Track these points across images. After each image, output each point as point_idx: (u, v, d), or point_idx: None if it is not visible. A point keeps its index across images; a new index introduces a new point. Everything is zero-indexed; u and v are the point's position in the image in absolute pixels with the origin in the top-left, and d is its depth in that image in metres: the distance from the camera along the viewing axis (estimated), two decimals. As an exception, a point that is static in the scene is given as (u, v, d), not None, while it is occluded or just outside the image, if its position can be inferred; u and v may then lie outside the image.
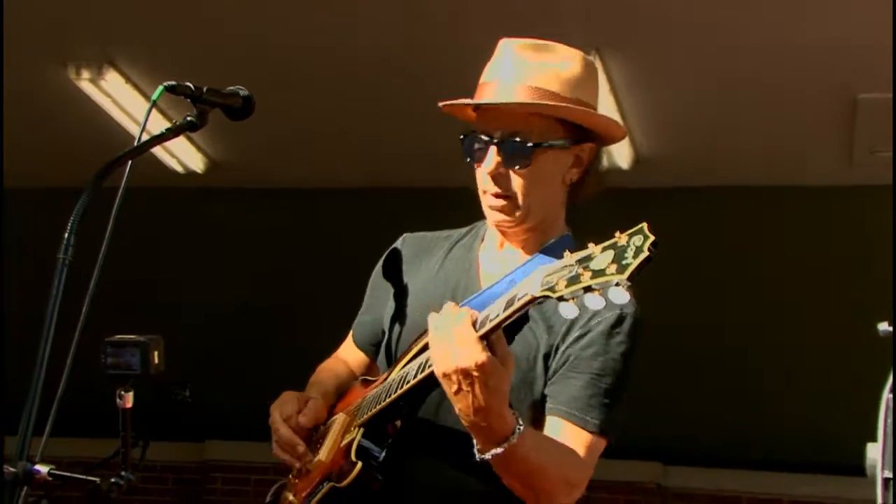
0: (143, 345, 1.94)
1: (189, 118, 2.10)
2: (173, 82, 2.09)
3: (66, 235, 1.85)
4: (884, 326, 1.59)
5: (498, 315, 1.94)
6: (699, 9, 4.68)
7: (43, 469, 1.79)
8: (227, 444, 8.03)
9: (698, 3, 4.67)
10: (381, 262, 2.51)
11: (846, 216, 6.17)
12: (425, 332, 2.11)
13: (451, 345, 1.95)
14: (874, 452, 1.44)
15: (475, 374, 1.92)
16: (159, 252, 7.26)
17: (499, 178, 2.22)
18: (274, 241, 7.13)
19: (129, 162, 2.01)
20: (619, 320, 2.18)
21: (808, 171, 6.07)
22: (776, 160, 5.99)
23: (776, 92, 5.25)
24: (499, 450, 1.99)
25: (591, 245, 1.82)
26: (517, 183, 2.22)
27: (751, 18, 4.69)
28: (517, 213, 2.24)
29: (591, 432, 2.14)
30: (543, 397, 2.19)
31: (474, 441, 2.03)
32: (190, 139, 6.25)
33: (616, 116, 5.40)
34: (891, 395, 1.46)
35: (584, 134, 2.25)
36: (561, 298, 1.79)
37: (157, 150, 6.26)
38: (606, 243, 1.80)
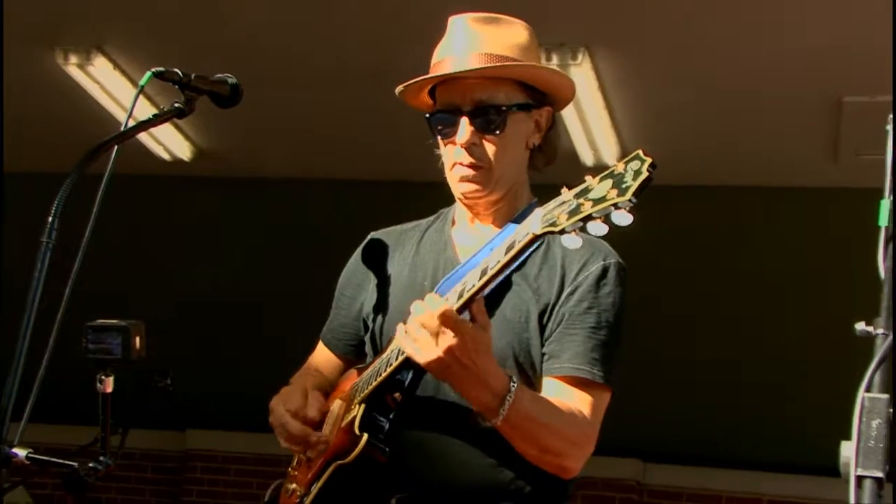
0: (125, 329, 1.94)
1: (177, 105, 2.11)
2: (161, 68, 2.09)
3: (50, 220, 1.85)
4: (861, 326, 1.61)
5: (474, 284, 2.00)
6: (688, 9, 4.69)
7: (21, 453, 1.79)
8: (207, 434, 8.02)
9: (687, 4, 4.68)
10: (350, 264, 2.52)
11: (831, 218, 6.19)
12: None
13: (435, 331, 1.98)
14: (848, 451, 1.45)
15: (466, 346, 1.98)
16: (144, 239, 7.24)
17: (472, 148, 2.26)
18: (259, 230, 7.12)
19: (115, 147, 2.01)
20: (604, 271, 2.24)
21: (794, 172, 6.09)
22: (761, 161, 6.00)
23: (762, 93, 5.27)
24: (504, 409, 2.04)
25: (588, 178, 1.86)
26: (490, 150, 2.26)
27: (738, 20, 4.70)
28: (490, 183, 2.28)
29: (598, 384, 2.19)
30: (541, 358, 2.22)
31: (484, 415, 2.08)
32: (177, 127, 6.23)
33: (603, 114, 5.41)
34: (865, 395, 1.48)
35: (541, 98, 2.32)
36: (563, 231, 1.83)
37: (145, 138, 6.24)
38: (604, 174, 1.84)
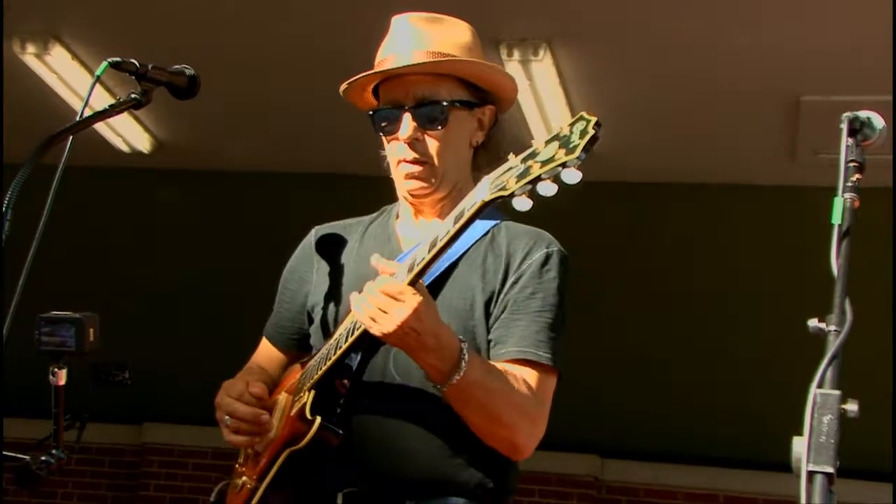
0: (79, 321, 1.92)
1: (133, 95, 2.10)
2: (118, 59, 2.08)
3: (3, 210, 1.83)
4: (813, 323, 1.62)
5: (424, 257, 2.01)
6: (648, 6, 4.71)
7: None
8: (165, 427, 7.97)
9: (647, 1, 4.70)
10: (293, 258, 2.54)
11: (788, 216, 6.25)
12: None
13: (387, 306, 2.00)
14: (799, 447, 1.46)
15: (419, 315, 1.99)
16: (103, 232, 7.18)
17: (415, 143, 2.29)
18: (218, 223, 7.09)
19: (70, 138, 1.99)
20: (547, 258, 2.27)
21: (752, 170, 6.14)
22: (720, 159, 6.05)
23: (721, 91, 5.31)
24: (458, 373, 2.05)
25: (533, 142, 1.88)
26: (433, 146, 2.29)
27: (698, 18, 4.73)
28: (433, 179, 2.30)
29: (545, 366, 2.20)
30: (487, 344, 2.24)
31: (432, 380, 2.08)
32: (136, 119, 6.19)
33: (564, 110, 5.43)
34: (817, 391, 1.49)
35: (483, 97, 2.35)
36: (512, 195, 1.85)
37: (104, 130, 6.19)
38: (549, 137, 1.86)
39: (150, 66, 2.11)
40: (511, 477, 2.29)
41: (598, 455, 7.37)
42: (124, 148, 6.52)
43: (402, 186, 2.34)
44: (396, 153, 2.31)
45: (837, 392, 1.50)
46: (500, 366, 2.20)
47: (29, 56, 5.43)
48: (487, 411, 2.13)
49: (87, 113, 2.04)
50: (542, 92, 5.25)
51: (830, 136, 1.93)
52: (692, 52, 5.00)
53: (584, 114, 1.84)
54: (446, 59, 2.28)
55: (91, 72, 5.47)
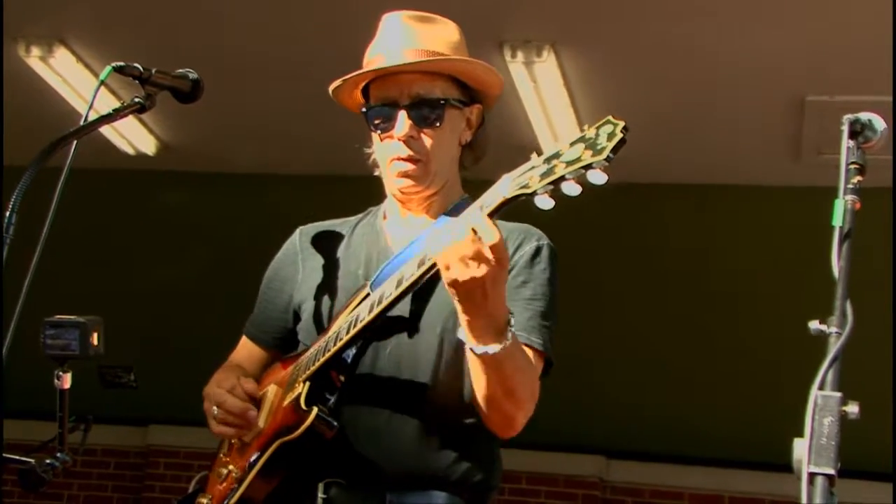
0: (83, 325, 1.93)
1: (137, 100, 2.10)
2: (121, 63, 2.08)
3: (8, 214, 1.83)
4: (814, 325, 1.62)
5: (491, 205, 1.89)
6: (653, 8, 4.72)
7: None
8: (170, 429, 7.98)
9: (652, 3, 4.71)
10: (277, 258, 2.55)
11: (793, 216, 6.25)
12: (355, 294, 2.22)
13: (478, 255, 1.89)
14: (800, 449, 1.47)
15: (498, 275, 1.91)
16: (108, 234, 7.20)
17: (410, 141, 2.29)
18: (224, 225, 7.09)
19: (75, 142, 1.99)
20: (538, 250, 2.29)
21: (756, 171, 6.14)
22: (724, 159, 6.05)
23: (725, 92, 5.31)
24: (507, 338, 1.97)
25: (558, 143, 1.86)
26: (428, 144, 2.30)
27: (702, 19, 4.73)
28: (427, 177, 2.31)
29: (537, 351, 2.20)
30: None
31: (476, 343, 1.98)
32: (141, 121, 6.20)
33: (568, 111, 5.43)
34: (818, 393, 1.50)
35: (472, 95, 2.37)
36: (534, 193, 1.83)
37: (109, 132, 6.20)
38: (574, 139, 1.84)
39: (153, 71, 2.11)
40: (495, 473, 2.29)
41: (604, 456, 7.36)
42: (129, 150, 6.53)
43: (394, 183, 2.34)
44: (388, 151, 2.31)
45: (838, 394, 1.51)
46: None
47: (33, 59, 5.44)
48: (508, 384, 2.08)
49: (92, 116, 2.05)
50: (545, 94, 5.25)
51: (835, 137, 1.93)
52: (696, 54, 5.00)
53: (610, 118, 1.83)
54: (444, 58, 2.29)
55: (95, 75, 5.49)
